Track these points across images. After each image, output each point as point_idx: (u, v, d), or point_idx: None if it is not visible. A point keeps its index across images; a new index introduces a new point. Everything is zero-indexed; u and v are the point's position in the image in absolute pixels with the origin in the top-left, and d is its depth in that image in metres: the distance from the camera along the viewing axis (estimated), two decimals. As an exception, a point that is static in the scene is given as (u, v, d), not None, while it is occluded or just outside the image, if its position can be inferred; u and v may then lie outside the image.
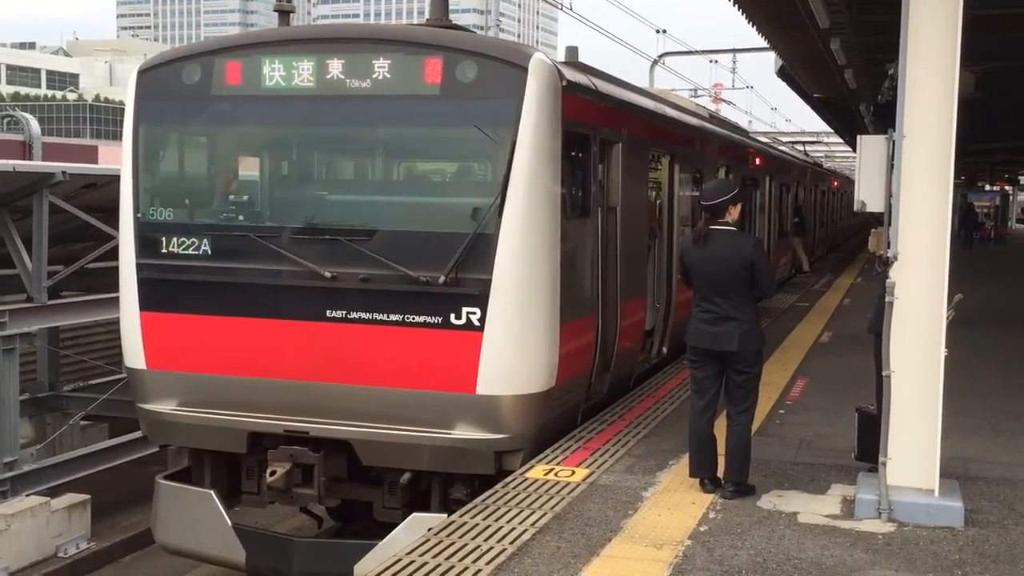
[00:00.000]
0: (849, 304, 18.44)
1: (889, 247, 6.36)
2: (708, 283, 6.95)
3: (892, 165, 6.41)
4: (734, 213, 7.02)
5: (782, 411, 9.63)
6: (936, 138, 6.21)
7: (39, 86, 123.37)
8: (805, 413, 9.54)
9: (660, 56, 34.23)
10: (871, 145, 6.72)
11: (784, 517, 6.57)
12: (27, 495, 12.25)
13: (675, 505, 6.75)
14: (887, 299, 6.34)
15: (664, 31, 34.09)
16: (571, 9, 25.66)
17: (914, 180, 6.25)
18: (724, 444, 6.99)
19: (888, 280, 6.33)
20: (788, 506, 6.77)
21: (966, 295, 7.19)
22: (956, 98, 6.19)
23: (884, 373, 6.38)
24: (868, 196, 6.69)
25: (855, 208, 6.85)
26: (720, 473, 7.04)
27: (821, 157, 46.99)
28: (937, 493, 6.43)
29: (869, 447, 6.77)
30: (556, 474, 7.40)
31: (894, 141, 6.37)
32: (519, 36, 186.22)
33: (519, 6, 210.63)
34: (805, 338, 14.20)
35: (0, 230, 12.94)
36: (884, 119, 20.22)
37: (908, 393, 6.35)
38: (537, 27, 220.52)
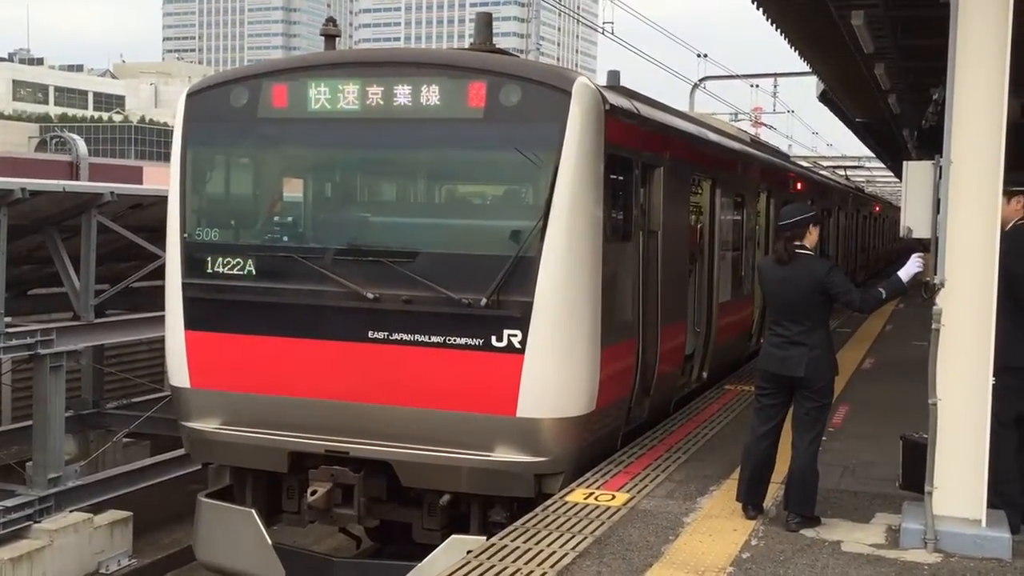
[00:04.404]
0: (891, 330, 18.23)
1: (936, 274, 6.30)
2: (780, 306, 6.89)
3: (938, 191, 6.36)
4: (813, 236, 6.91)
5: (824, 438, 9.39)
6: (984, 164, 6.15)
7: (86, 107, 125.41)
8: (847, 440, 9.43)
9: (701, 80, 34.20)
10: (917, 171, 6.67)
11: (828, 546, 6.49)
12: (70, 511, 12.42)
13: (717, 531, 6.70)
14: (933, 326, 6.27)
15: (705, 55, 34.06)
16: (612, 33, 25.75)
17: (961, 206, 6.20)
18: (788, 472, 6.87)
19: (935, 307, 6.26)
20: (832, 534, 6.69)
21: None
22: (1004, 124, 6.14)
23: (931, 401, 6.29)
24: (914, 222, 6.63)
25: (901, 234, 6.79)
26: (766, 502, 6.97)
27: (862, 182, 46.61)
28: (984, 523, 6.33)
29: (915, 476, 6.67)
30: (596, 498, 7.37)
31: (941, 167, 6.32)
32: (558, 60, 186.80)
33: (559, 30, 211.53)
34: (847, 365, 14.05)
35: (49, 249, 13.17)
36: (928, 144, 20.07)
37: (955, 422, 6.26)
38: (577, 51, 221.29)
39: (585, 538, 6.50)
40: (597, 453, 8.38)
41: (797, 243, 6.84)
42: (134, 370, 16.94)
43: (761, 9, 13.28)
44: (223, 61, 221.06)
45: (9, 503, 11.84)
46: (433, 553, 7.77)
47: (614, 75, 10.72)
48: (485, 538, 6.96)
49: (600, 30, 25.90)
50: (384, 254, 8.14)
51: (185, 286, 8.62)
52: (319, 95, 8.29)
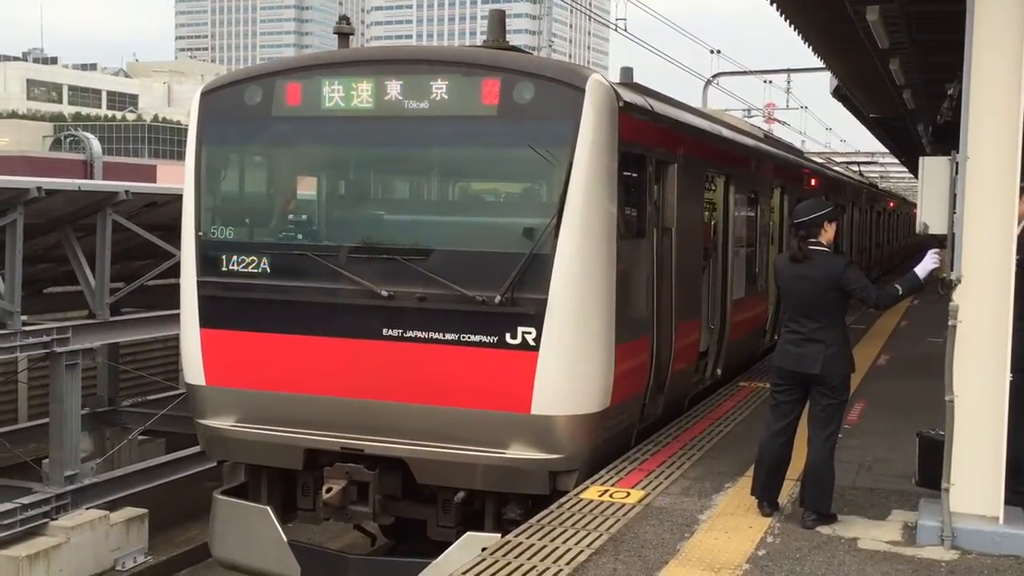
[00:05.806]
0: (906, 327, 18.16)
1: (952, 270, 6.26)
2: (796, 303, 6.85)
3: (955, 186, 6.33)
4: (829, 233, 6.86)
5: (840, 435, 9.43)
6: (1001, 159, 6.11)
7: (100, 106, 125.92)
8: (863, 437, 9.40)
9: (714, 76, 34.07)
10: (934, 166, 6.65)
11: (844, 543, 6.47)
12: (87, 508, 12.48)
13: (732, 529, 6.69)
14: (950, 323, 6.24)
15: (718, 51, 33.92)
16: (624, 30, 25.68)
17: (978, 202, 6.16)
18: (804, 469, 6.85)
19: (951, 303, 6.23)
20: (848, 531, 6.67)
21: None
22: (1022, 119, 6.10)
23: (947, 398, 6.27)
24: (931, 218, 6.60)
25: (917, 230, 6.76)
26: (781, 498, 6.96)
27: (876, 177, 46.41)
28: (1002, 520, 6.30)
29: (931, 472, 6.64)
30: (611, 495, 7.37)
31: (957, 162, 6.29)
32: (571, 57, 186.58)
33: (571, 27, 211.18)
34: (862, 361, 13.92)
35: (65, 247, 13.22)
36: (943, 140, 19.99)
37: (972, 418, 6.24)
38: (589, 48, 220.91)
39: (600, 535, 6.50)
40: (612, 450, 8.37)
41: (812, 240, 6.81)
42: (149, 368, 17.00)
43: (775, 5, 13.22)
44: (235, 60, 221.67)
45: (26, 500, 11.90)
46: (448, 550, 7.78)
47: (627, 72, 10.71)
48: (500, 535, 6.96)
49: (613, 27, 25.85)
50: (398, 252, 8.14)
51: (200, 284, 8.64)
52: (333, 93, 8.30)
